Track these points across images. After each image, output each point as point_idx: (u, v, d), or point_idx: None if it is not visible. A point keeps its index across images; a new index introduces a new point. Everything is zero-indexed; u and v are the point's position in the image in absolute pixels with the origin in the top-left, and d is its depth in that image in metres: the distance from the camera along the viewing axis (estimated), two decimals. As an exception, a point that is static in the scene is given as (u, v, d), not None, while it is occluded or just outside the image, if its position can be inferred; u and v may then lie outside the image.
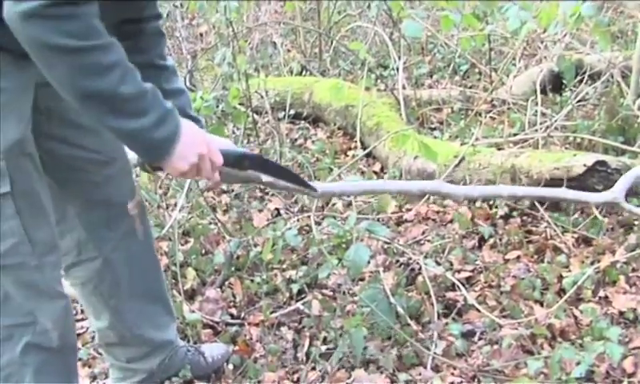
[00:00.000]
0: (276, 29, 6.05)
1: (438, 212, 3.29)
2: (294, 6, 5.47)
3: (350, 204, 3.30)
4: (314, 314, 2.58)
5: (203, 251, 3.08)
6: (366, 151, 3.64)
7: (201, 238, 3.13)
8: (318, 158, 3.98)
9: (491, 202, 3.18)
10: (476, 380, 2.23)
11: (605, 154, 3.10)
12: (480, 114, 4.12)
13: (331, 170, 3.69)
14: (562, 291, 2.55)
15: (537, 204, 3.03)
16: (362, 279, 2.76)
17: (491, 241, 2.97)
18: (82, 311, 2.54)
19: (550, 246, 2.86)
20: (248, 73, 3.68)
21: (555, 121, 3.64)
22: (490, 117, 4.14)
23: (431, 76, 5.11)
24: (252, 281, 2.82)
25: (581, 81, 4.16)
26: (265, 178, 1.89)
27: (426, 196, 3.31)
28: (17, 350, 1.74)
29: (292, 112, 4.47)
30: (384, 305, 2.46)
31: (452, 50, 5.11)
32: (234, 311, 2.70)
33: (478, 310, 2.48)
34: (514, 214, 3.12)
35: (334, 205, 3.40)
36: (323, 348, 2.43)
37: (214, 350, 2.40)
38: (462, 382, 2.23)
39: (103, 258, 2.04)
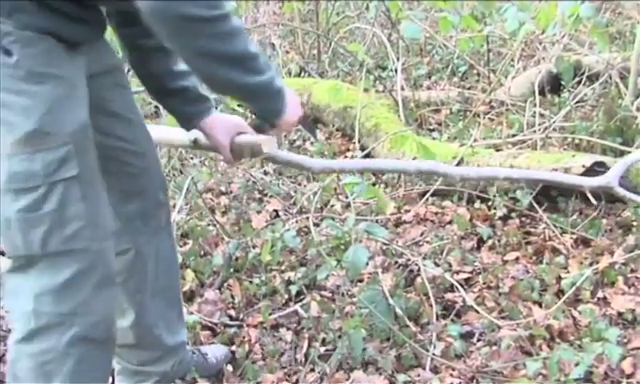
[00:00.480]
0: (274, 30, 6.06)
1: (436, 213, 3.28)
2: (293, 7, 5.47)
3: (348, 205, 3.30)
4: (312, 316, 2.57)
5: (202, 253, 3.07)
6: (365, 152, 3.66)
7: (199, 239, 3.13)
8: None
9: (490, 203, 3.18)
10: (475, 381, 2.22)
11: (603, 155, 3.11)
12: (478, 115, 4.12)
13: (330, 171, 3.67)
14: (560, 292, 2.55)
15: (535, 205, 3.03)
16: (361, 280, 2.76)
17: (490, 242, 2.97)
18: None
19: (548, 247, 2.86)
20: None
21: (554, 122, 3.65)
22: (489, 118, 4.15)
23: (430, 77, 5.12)
24: (251, 282, 2.82)
25: (579, 82, 4.18)
26: (266, 149, 1.94)
27: (425, 196, 3.33)
28: (63, 340, 1.72)
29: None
30: (383, 306, 2.45)
31: (450, 51, 5.12)
32: (232, 312, 2.70)
33: (477, 311, 2.49)
34: (513, 215, 3.12)
35: (332, 206, 3.40)
36: (322, 349, 2.41)
37: (215, 351, 2.40)
38: (460, 383, 2.22)
39: (136, 251, 2.04)
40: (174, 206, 3.16)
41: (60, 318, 1.71)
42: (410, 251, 2.91)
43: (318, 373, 2.31)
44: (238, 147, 1.99)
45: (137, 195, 2.02)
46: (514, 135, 3.73)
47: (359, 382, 2.25)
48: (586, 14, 2.92)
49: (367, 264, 2.63)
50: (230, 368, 2.37)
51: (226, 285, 2.85)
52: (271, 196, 3.55)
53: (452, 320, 2.50)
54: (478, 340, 2.42)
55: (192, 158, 4.09)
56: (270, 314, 2.62)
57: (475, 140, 3.50)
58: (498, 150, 3.40)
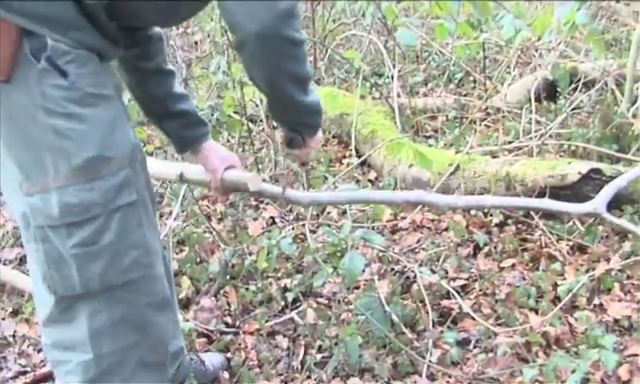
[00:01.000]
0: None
1: (433, 220, 3.28)
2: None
3: (344, 212, 3.30)
4: (308, 323, 2.58)
5: (198, 260, 3.07)
6: (361, 159, 3.67)
7: (196, 246, 3.13)
8: (313, 167, 3.94)
9: (486, 210, 3.18)
10: (471, 388, 2.22)
11: (599, 162, 3.11)
12: (475, 122, 4.11)
13: (326, 178, 3.68)
14: (556, 299, 2.55)
15: (532, 212, 3.03)
16: (357, 287, 2.76)
17: (486, 249, 2.97)
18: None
19: (544, 253, 2.85)
20: (243, 81, 3.66)
21: (550, 129, 3.64)
22: (485, 125, 4.14)
23: (426, 84, 5.11)
24: (247, 289, 2.82)
25: (575, 89, 4.17)
26: (252, 187, 2.01)
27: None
28: (125, 375, 1.70)
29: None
30: (379, 313, 2.45)
31: (447, 58, 5.11)
32: (228, 320, 2.70)
33: (473, 318, 2.48)
34: (509, 221, 3.11)
35: (328, 213, 3.39)
36: (318, 356, 2.42)
37: (212, 358, 2.40)
38: (457, 390, 2.22)
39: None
40: (170, 213, 3.16)
41: (120, 355, 1.68)
42: (407, 258, 2.91)
43: (315, 380, 2.32)
44: (225, 182, 2.05)
45: (151, 201, 1.98)
46: (510, 142, 3.72)
47: (355, 389, 2.24)
48: (582, 21, 2.92)
49: (363, 271, 2.61)
50: (226, 375, 2.37)
51: (222, 292, 2.85)
52: (267, 203, 3.54)
53: (448, 327, 2.50)
54: (475, 347, 2.42)
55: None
56: (266, 321, 2.63)
57: (471, 147, 3.50)
58: (494, 157, 3.40)
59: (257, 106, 4.24)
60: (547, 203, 2.20)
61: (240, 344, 2.55)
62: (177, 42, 5.42)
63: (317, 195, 2.40)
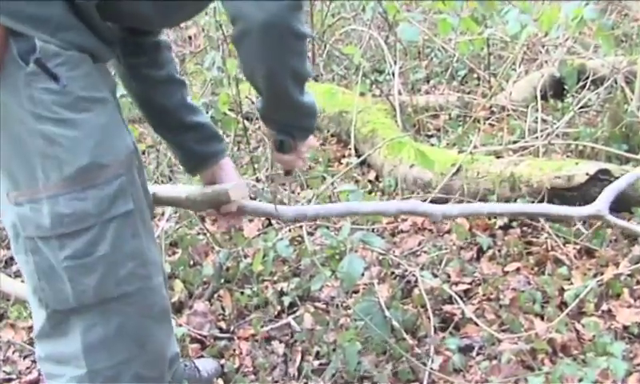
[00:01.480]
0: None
1: (434, 222, 3.24)
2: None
3: (344, 213, 3.27)
4: (306, 328, 2.58)
5: (191, 262, 3.07)
6: (361, 159, 3.66)
7: (189, 248, 3.13)
8: (311, 166, 3.97)
9: (488, 213, 3.15)
10: (474, 397, 2.22)
11: (608, 163, 3.08)
12: (478, 121, 4.10)
13: (324, 178, 3.67)
14: (563, 304, 2.53)
15: (537, 213, 3.00)
16: (356, 292, 2.75)
17: (490, 252, 2.95)
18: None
19: (551, 257, 2.83)
20: (238, 77, 3.65)
21: (556, 128, 3.63)
22: (489, 123, 4.13)
23: (428, 81, 5.12)
24: (242, 293, 2.82)
25: (583, 86, 4.15)
26: (234, 206, 1.96)
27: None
28: None
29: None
30: (379, 318, 2.44)
31: (450, 55, 5.13)
32: (223, 325, 2.70)
33: (476, 324, 2.46)
34: (514, 224, 3.09)
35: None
36: (316, 363, 2.41)
37: (206, 365, 2.39)
38: (459, 399, 2.22)
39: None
40: (163, 214, 3.17)
41: (116, 369, 1.64)
42: (407, 261, 2.90)
43: (312, 388, 2.33)
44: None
45: (150, 208, 1.95)
46: (515, 141, 3.71)
47: (354, 398, 2.27)
48: (591, 16, 2.93)
49: (363, 274, 2.61)
50: (220, 382, 2.39)
51: (216, 296, 2.85)
52: (264, 203, 3.50)
53: (450, 333, 2.49)
54: (478, 354, 2.41)
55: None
56: (262, 327, 2.63)
57: (475, 146, 3.48)
58: (498, 157, 3.38)
59: (253, 103, 4.20)
60: (546, 208, 2.25)
61: (234, 350, 2.55)
62: (170, 37, 5.40)
63: (303, 208, 2.37)
